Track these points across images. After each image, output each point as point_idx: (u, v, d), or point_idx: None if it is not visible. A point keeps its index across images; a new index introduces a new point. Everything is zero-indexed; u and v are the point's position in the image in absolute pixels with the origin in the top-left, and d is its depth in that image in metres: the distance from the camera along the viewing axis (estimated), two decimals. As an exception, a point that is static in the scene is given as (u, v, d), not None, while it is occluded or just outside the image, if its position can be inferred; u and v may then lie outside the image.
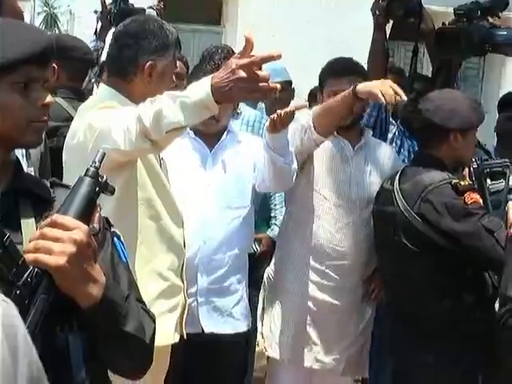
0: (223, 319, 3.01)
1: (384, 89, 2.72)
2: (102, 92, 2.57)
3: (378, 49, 3.56)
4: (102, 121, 2.21)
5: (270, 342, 3.21)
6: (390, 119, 3.70)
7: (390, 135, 3.68)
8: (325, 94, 3.15)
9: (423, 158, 2.93)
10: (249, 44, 1.85)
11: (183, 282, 2.60)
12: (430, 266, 2.75)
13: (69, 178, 1.55)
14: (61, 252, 1.21)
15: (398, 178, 2.88)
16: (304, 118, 2.97)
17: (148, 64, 2.42)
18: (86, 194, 1.30)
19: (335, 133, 3.14)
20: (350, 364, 3.20)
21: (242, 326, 3.08)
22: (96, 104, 2.41)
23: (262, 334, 3.24)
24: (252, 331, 3.21)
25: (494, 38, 3.38)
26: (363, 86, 2.79)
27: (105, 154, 1.38)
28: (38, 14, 25.84)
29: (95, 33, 4.38)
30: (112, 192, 1.38)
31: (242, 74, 1.83)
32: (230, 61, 1.87)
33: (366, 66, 3.37)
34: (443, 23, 3.67)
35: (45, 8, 29.16)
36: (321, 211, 3.11)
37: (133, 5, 4.32)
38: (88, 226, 1.28)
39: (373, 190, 3.08)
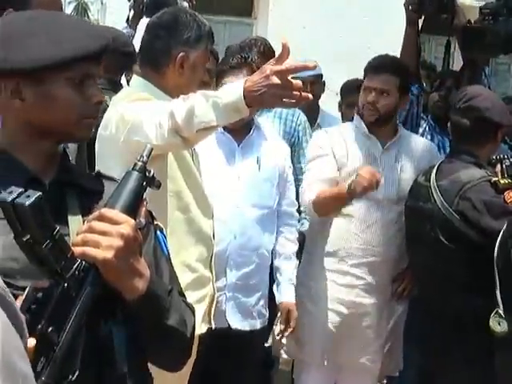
0: (243, 316, 3.03)
1: (371, 181, 2.79)
2: (134, 83, 2.57)
3: (410, 44, 3.57)
4: (134, 113, 2.20)
5: (298, 345, 3.22)
6: (421, 114, 3.68)
7: (420, 130, 3.66)
8: (362, 88, 3.19)
9: (461, 154, 2.90)
10: (285, 50, 1.85)
11: (212, 273, 2.61)
12: (465, 263, 2.72)
13: (101, 169, 1.56)
14: (108, 246, 1.23)
15: (434, 173, 2.85)
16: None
17: (180, 55, 2.41)
18: (134, 189, 1.31)
19: (366, 130, 3.16)
20: (385, 362, 3.20)
21: (257, 324, 3.09)
22: (129, 95, 2.41)
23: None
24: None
25: None
26: (357, 185, 2.81)
27: (152, 148, 1.38)
28: (69, 3, 26.01)
29: (127, 20, 4.38)
30: (158, 186, 1.38)
31: (276, 80, 1.83)
32: (264, 66, 1.88)
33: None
34: (469, 21, 3.64)
35: (75, -3, 29.37)
36: (347, 214, 3.09)
37: None
38: (135, 220, 1.29)
39: (403, 188, 3.08)
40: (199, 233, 2.51)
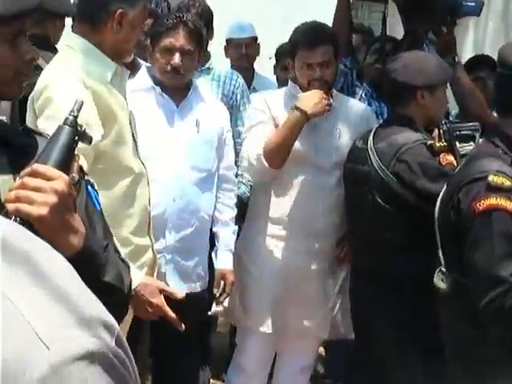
0: (183, 279, 3.01)
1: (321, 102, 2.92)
2: (71, 41, 2.47)
3: (341, 13, 3.54)
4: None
5: (244, 312, 3.22)
6: (356, 82, 3.68)
7: (356, 98, 3.66)
8: (297, 65, 3.12)
9: (395, 117, 2.95)
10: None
11: (151, 239, 2.57)
12: (402, 225, 2.76)
13: None
14: (43, 202, 1.20)
15: (371, 137, 2.88)
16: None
17: (119, 12, 2.33)
18: (66, 143, 1.28)
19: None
20: (334, 327, 3.22)
21: (197, 287, 3.08)
22: (63, 61, 2.36)
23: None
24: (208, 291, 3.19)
25: (459, 9, 3.37)
26: (309, 108, 2.92)
27: (83, 102, 1.35)
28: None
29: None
30: (90, 141, 1.37)
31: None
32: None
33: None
34: None
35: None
36: (286, 182, 3.11)
37: None
38: (68, 175, 1.26)
39: (341, 154, 3.08)
40: (133, 204, 2.46)
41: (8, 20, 1.31)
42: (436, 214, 2.37)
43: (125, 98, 2.47)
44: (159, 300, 2.23)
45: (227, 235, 3.16)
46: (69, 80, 2.27)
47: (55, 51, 3.36)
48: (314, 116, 2.96)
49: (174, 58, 2.89)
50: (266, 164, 2.99)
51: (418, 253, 2.67)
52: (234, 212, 3.20)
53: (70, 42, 2.48)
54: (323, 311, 3.20)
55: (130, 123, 2.46)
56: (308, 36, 3.11)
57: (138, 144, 2.49)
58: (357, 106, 3.35)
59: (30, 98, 2.34)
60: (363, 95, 3.77)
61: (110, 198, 2.35)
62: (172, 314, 2.26)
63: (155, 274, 2.60)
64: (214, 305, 3.22)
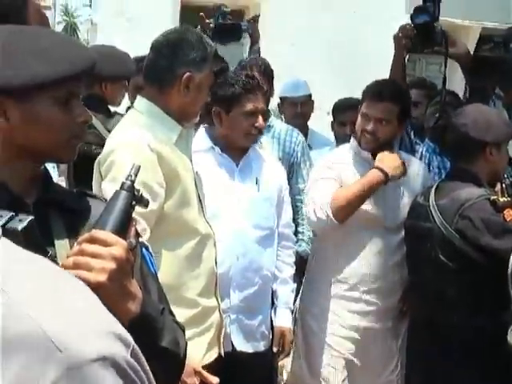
0: (247, 338, 3.01)
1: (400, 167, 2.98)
2: (137, 104, 2.51)
3: (396, 71, 3.51)
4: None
5: (308, 375, 3.20)
6: (416, 140, 3.66)
7: (417, 155, 3.64)
8: (360, 112, 3.13)
9: (459, 172, 2.90)
10: None
11: (218, 300, 2.58)
12: (466, 282, 2.72)
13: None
14: (101, 269, 1.20)
15: (433, 193, 2.85)
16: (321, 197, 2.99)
17: (186, 75, 2.37)
18: (123, 208, 1.29)
19: (369, 156, 3.12)
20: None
21: (260, 346, 3.07)
22: (130, 125, 2.42)
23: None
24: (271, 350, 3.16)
25: None
26: (390, 170, 2.94)
27: (140, 167, 1.36)
28: (58, 23, 26.05)
29: None
30: (146, 205, 1.38)
31: None
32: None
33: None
34: (476, 47, 3.60)
35: (65, 17, 29.40)
36: (350, 243, 3.10)
37: (231, 20, 4.28)
38: (125, 240, 1.27)
39: (405, 212, 3.06)
40: (200, 265, 2.47)
41: (60, 83, 1.32)
42: (509, 270, 2.32)
43: (190, 160, 2.49)
44: (192, 381, 2.24)
45: (286, 293, 3.15)
46: (134, 143, 2.31)
47: (110, 113, 3.46)
48: (394, 179, 2.96)
49: (258, 121, 2.93)
50: (331, 215, 2.93)
51: (483, 310, 2.63)
52: (292, 270, 3.19)
53: (137, 104, 2.51)
54: (388, 371, 3.17)
55: (196, 184, 2.48)
56: (375, 89, 3.12)
57: (203, 205, 2.51)
58: (417, 164, 3.33)
59: (96, 161, 2.38)
60: (423, 151, 3.74)
61: (175, 259, 2.37)
62: None
63: (222, 335, 2.60)
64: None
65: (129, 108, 3.88)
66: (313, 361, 3.18)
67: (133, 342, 0.77)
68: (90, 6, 16.33)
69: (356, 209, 2.95)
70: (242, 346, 2.97)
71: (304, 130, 4.41)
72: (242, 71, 3.30)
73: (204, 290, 2.48)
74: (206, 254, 2.48)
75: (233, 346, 2.94)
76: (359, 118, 3.11)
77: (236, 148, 3.01)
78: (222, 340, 2.60)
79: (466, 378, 2.72)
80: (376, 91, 3.09)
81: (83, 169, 2.53)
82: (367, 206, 3.04)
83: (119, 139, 2.37)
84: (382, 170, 2.92)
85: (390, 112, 3.04)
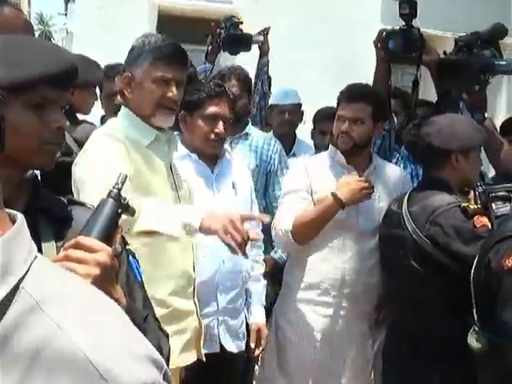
0: (233, 338, 3.06)
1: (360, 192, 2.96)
2: (120, 110, 2.57)
3: (380, 79, 3.60)
4: (85, 169, 2.23)
5: (280, 378, 3.23)
6: (394, 145, 3.73)
7: (393, 161, 3.70)
8: (336, 116, 3.20)
9: (429, 180, 2.95)
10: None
11: (196, 305, 2.60)
12: (438, 288, 2.76)
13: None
14: (85, 274, 1.22)
15: (406, 200, 2.90)
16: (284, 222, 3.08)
17: (124, 75, 2.46)
18: (109, 216, 1.32)
19: (344, 161, 3.18)
20: None
21: (243, 345, 3.13)
22: (110, 129, 2.45)
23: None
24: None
25: (495, 69, 3.42)
26: (345, 197, 2.95)
27: (127, 176, 1.39)
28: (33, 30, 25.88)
29: (205, 56, 4.39)
30: (133, 213, 1.41)
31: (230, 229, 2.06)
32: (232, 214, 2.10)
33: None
34: (444, 52, 3.70)
35: (39, 26, 29.23)
36: (324, 247, 3.14)
37: (242, 30, 4.33)
38: (110, 247, 1.29)
39: (381, 216, 3.10)
40: (174, 269, 2.49)
41: (24, 88, 1.32)
42: (472, 275, 2.37)
43: (170, 164, 2.52)
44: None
45: (259, 290, 3.22)
46: (106, 138, 2.37)
47: (77, 121, 3.48)
48: (350, 204, 2.98)
49: (218, 126, 2.93)
50: (292, 240, 3.03)
51: (454, 314, 2.66)
52: (263, 267, 3.26)
53: (120, 111, 2.57)
54: (364, 376, 3.21)
55: (176, 188, 2.50)
56: (349, 91, 3.21)
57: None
58: (394, 169, 3.39)
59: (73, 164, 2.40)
60: (399, 158, 3.81)
61: (142, 255, 2.39)
62: None
63: (201, 340, 2.61)
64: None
65: (103, 117, 3.94)
66: (284, 363, 3.21)
67: (165, 366, 0.81)
68: (66, 14, 16.27)
69: (317, 233, 3.04)
70: (229, 346, 3.03)
71: (291, 138, 4.46)
72: (213, 78, 3.35)
73: (176, 292, 2.49)
74: (178, 255, 2.49)
75: (222, 347, 2.99)
76: (335, 122, 3.19)
77: (210, 154, 3.03)
78: (201, 344, 2.62)
79: (430, 381, 2.76)
80: (348, 93, 3.18)
81: (50, 178, 2.52)
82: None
83: (94, 138, 2.42)
84: (336, 197, 2.94)
85: (362, 111, 3.12)
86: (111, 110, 3.81)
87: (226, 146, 3.22)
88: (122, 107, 2.51)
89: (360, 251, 3.13)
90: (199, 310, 2.62)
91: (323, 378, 3.16)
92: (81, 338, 0.75)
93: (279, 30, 8.18)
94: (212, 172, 3.05)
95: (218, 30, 4.28)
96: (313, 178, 3.16)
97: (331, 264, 3.13)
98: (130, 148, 2.36)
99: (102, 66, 3.99)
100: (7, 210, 0.87)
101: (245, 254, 2.09)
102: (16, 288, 0.78)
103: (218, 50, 4.34)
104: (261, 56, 4.52)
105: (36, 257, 0.83)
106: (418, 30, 3.54)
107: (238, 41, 4.28)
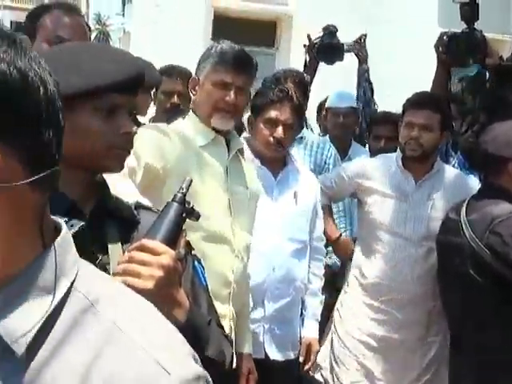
0: (279, 347, 3.04)
1: None
2: None
3: (440, 84, 3.57)
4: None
5: (332, 375, 3.26)
6: (451, 151, 3.68)
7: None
8: (403, 123, 3.22)
9: (488, 188, 2.90)
10: None
11: (230, 310, 2.53)
12: (496, 297, 2.72)
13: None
14: (149, 276, 1.24)
15: (464, 208, 2.86)
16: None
17: (192, 78, 2.59)
18: (174, 219, 1.33)
19: (401, 166, 3.20)
20: None
21: (291, 355, 3.11)
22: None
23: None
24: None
25: None
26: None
27: (191, 180, 1.40)
28: (91, 31, 26.31)
29: (304, 66, 4.42)
30: (197, 218, 1.40)
31: None
32: None
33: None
34: (501, 58, 3.64)
35: (97, 26, 29.72)
36: (374, 250, 3.19)
37: (338, 39, 4.27)
38: (174, 250, 1.30)
39: (433, 225, 3.10)
40: (209, 269, 2.46)
41: (95, 94, 1.36)
42: None
43: (225, 166, 2.50)
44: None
45: (315, 305, 3.20)
46: (147, 129, 2.39)
47: (138, 123, 3.53)
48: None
49: (277, 131, 2.94)
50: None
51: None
52: (321, 282, 3.24)
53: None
54: (406, 382, 3.19)
55: (228, 189, 2.48)
56: (417, 98, 3.23)
57: (233, 213, 2.49)
58: (456, 174, 3.35)
59: None
60: (456, 165, 3.76)
61: None
62: None
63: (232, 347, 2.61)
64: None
65: (152, 119, 4.00)
66: (337, 367, 3.24)
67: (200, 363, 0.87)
68: (123, 14, 16.52)
69: None
70: (275, 354, 3.02)
71: (346, 142, 4.41)
72: (276, 83, 3.35)
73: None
74: (214, 256, 2.40)
75: (266, 354, 2.99)
76: (402, 129, 3.20)
77: (273, 160, 3.04)
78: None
79: None
80: (417, 100, 3.20)
81: None
82: (384, 214, 3.13)
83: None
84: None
85: (432, 119, 3.13)
86: (164, 109, 3.86)
87: (293, 154, 3.24)
88: (190, 112, 2.55)
89: (409, 258, 3.13)
90: (234, 316, 2.53)
91: (361, 379, 3.19)
92: (138, 335, 0.81)
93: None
94: (275, 179, 3.06)
95: (314, 39, 4.23)
96: (375, 170, 3.25)
97: (379, 269, 3.16)
98: (178, 143, 2.38)
99: (159, 65, 4.05)
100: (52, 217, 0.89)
101: None
102: (69, 290, 0.82)
103: (315, 61, 4.29)
104: (360, 63, 4.48)
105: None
106: (481, 32, 3.49)
107: (332, 50, 4.23)
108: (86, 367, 0.78)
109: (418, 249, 3.13)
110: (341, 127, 4.40)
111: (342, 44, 4.30)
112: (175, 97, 3.87)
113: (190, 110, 2.55)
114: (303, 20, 8.69)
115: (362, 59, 4.46)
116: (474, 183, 3.30)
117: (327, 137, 4.25)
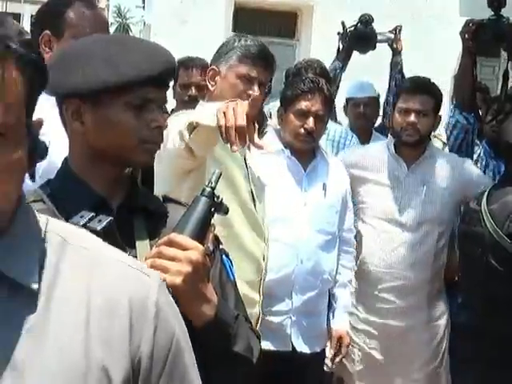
0: (305, 340, 3.02)
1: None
2: None
3: (466, 72, 3.53)
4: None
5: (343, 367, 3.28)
6: (476, 140, 3.67)
7: (474, 156, 3.65)
8: (396, 111, 3.21)
9: (510, 177, 2.88)
10: None
11: (260, 296, 2.58)
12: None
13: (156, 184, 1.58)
14: (177, 271, 1.24)
15: (485, 198, 2.85)
16: None
17: (210, 69, 2.57)
18: (202, 214, 1.32)
19: (393, 151, 3.20)
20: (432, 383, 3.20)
21: (317, 348, 3.09)
22: None
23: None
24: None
25: None
26: None
27: (221, 173, 1.39)
28: (111, 24, 26.36)
29: (337, 53, 4.40)
30: (226, 212, 1.39)
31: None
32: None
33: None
34: None
35: (117, 18, 29.75)
36: (369, 239, 3.18)
37: (372, 28, 4.26)
38: (203, 245, 1.30)
39: (426, 210, 3.12)
40: (243, 250, 2.47)
41: (126, 88, 1.34)
42: None
43: (243, 156, 2.53)
44: None
45: (345, 297, 3.18)
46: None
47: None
48: None
49: (308, 122, 2.93)
50: None
51: None
52: (352, 274, 3.22)
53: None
54: (414, 369, 3.20)
55: (250, 180, 2.51)
56: (411, 83, 3.25)
57: (256, 201, 2.53)
58: (449, 157, 3.34)
59: None
60: (481, 154, 3.75)
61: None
62: None
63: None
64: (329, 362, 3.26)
65: (172, 110, 4.01)
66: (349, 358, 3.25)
67: None
68: (143, 7, 16.52)
69: None
70: (302, 347, 3.01)
71: (367, 132, 4.40)
72: (302, 73, 3.34)
73: (243, 276, 2.39)
74: (249, 242, 2.47)
75: (293, 346, 2.98)
76: (396, 114, 3.19)
77: (303, 151, 3.03)
78: None
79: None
80: (412, 86, 3.21)
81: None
82: (379, 200, 3.13)
83: None
84: None
85: (427, 104, 3.14)
86: (183, 101, 3.87)
87: (324, 146, 3.23)
88: (200, 101, 2.55)
89: (405, 244, 3.14)
90: (262, 304, 2.58)
91: (372, 369, 3.21)
92: (111, 254, 0.97)
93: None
94: (305, 170, 3.05)
95: (348, 27, 4.21)
96: (367, 158, 3.26)
97: (377, 257, 3.17)
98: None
99: (179, 57, 4.05)
100: None
101: (236, 147, 1.68)
102: (45, 231, 0.94)
103: (349, 49, 4.27)
104: (393, 55, 4.46)
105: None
106: (508, 19, 3.46)
107: (365, 39, 4.21)
108: (84, 290, 0.90)
109: (415, 234, 3.13)
110: (361, 117, 4.40)
111: (376, 33, 4.27)
112: (193, 89, 3.84)
113: (201, 102, 2.52)
114: (324, 11, 8.67)
115: (396, 51, 4.43)
116: (471, 166, 3.31)
117: (347, 126, 4.25)
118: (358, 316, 3.24)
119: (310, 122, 2.93)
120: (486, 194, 2.88)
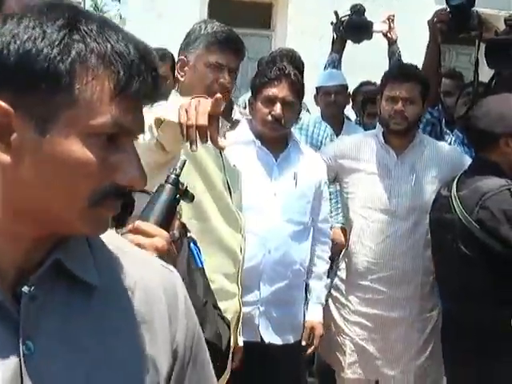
0: (276, 331, 3.01)
1: None
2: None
3: (432, 60, 3.55)
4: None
5: (330, 359, 3.31)
6: (445, 129, 3.69)
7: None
8: (383, 99, 3.19)
9: (480, 163, 2.88)
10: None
11: (238, 288, 2.59)
12: (488, 273, 2.72)
13: None
14: None
15: (455, 184, 2.86)
16: None
17: (179, 59, 2.56)
18: (167, 201, 1.33)
19: (382, 140, 3.19)
20: (422, 375, 3.21)
21: (290, 339, 3.07)
22: None
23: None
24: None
25: None
26: None
27: (185, 161, 1.39)
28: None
29: (332, 44, 4.37)
30: (191, 199, 1.39)
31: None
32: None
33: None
34: (495, 32, 3.62)
35: (94, 12, 29.50)
36: (359, 229, 3.18)
37: (365, 17, 4.24)
38: (168, 232, 1.31)
39: (416, 199, 3.11)
40: (220, 243, 2.48)
41: None
42: None
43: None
44: None
45: (319, 288, 3.16)
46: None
47: None
48: None
49: (275, 109, 2.90)
50: None
51: (504, 301, 2.63)
52: (327, 265, 3.20)
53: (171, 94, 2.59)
54: (405, 359, 3.21)
55: (224, 171, 2.52)
56: (398, 70, 3.22)
57: (232, 192, 2.54)
58: (442, 147, 3.33)
59: None
60: (452, 141, 3.77)
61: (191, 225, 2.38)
62: None
63: (239, 325, 2.60)
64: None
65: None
66: (327, 339, 3.24)
67: None
68: (119, 0, 16.41)
69: None
70: (271, 337, 2.98)
71: (339, 120, 4.42)
72: (272, 62, 3.34)
73: (219, 269, 2.46)
74: (225, 235, 2.47)
75: (261, 337, 2.97)
76: (383, 102, 3.17)
77: (274, 141, 3.00)
78: (239, 330, 2.59)
79: (501, 373, 2.71)
80: (398, 73, 3.18)
81: None
82: (370, 189, 3.12)
83: None
84: None
85: (414, 91, 3.11)
86: None
87: (296, 135, 3.21)
88: (173, 91, 2.53)
89: (394, 234, 3.13)
90: (241, 296, 2.60)
91: (363, 359, 3.21)
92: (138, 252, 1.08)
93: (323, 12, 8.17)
94: (275, 159, 3.03)
95: (342, 17, 4.18)
96: (354, 148, 3.25)
97: (367, 247, 3.16)
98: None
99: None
100: None
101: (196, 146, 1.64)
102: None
103: (342, 40, 4.25)
104: (389, 45, 4.45)
105: None
106: (476, 11, 3.47)
107: (359, 28, 4.18)
108: (129, 281, 0.97)
109: (405, 223, 3.13)
110: (332, 105, 4.42)
111: (371, 23, 4.26)
112: (168, 82, 3.83)
113: (173, 92, 2.50)
114: (299, 1, 8.67)
115: (391, 40, 4.43)
116: (460, 153, 3.32)
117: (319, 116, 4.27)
118: (349, 307, 3.23)
119: (278, 108, 2.90)
120: (456, 180, 2.88)
